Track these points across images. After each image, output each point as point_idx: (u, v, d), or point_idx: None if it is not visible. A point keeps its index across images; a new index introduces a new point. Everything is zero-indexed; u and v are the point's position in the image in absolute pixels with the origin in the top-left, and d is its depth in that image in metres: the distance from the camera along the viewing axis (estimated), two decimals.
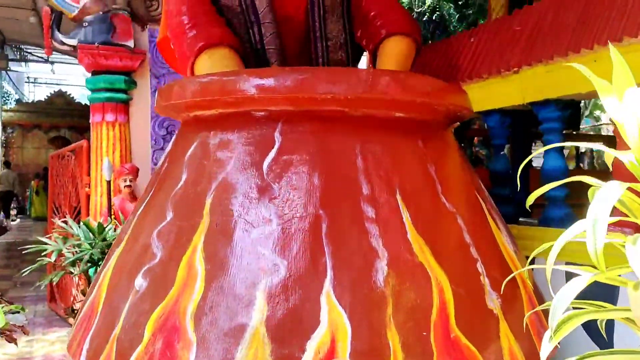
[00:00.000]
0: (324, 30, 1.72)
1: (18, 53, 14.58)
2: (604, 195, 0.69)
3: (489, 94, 1.90)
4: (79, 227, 3.32)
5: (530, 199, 0.86)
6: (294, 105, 1.13)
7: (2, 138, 14.04)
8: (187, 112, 1.28)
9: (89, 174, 4.84)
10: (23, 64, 16.87)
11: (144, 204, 1.27)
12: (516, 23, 1.85)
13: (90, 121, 4.99)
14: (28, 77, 21.60)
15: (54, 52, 5.18)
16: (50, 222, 5.52)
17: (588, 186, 0.78)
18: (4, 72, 14.48)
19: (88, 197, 4.70)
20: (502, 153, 1.97)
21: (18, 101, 18.45)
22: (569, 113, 1.77)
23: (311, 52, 1.72)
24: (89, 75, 5.04)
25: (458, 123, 1.50)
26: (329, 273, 1.00)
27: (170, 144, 1.39)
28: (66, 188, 5.58)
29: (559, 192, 1.72)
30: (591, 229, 0.66)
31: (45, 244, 3.33)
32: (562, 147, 1.76)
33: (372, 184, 1.10)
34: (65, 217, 5.26)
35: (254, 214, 1.07)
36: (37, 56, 14.15)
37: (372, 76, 1.11)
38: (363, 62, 2.72)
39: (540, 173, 1.80)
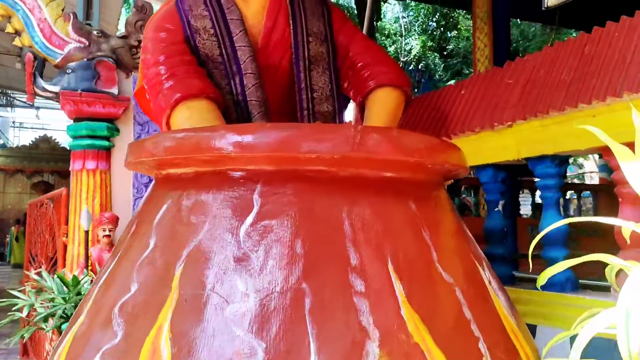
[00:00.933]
0: (310, 82, 1.65)
1: (4, 98, 14.54)
2: (636, 283, 0.58)
3: (482, 148, 1.82)
4: (53, 280, 3.17)
5: (542, 279, 0.75)
6: (274, 165, 1.02)
7: None
8: (158, 170, 1.17)
9: (67, 223, 4.69)
10: (9, 108, 16.81)
11: (108, 272, 1.14)
12: (508, 76, 1.80)
13: (70, 168, 4.87)
14: (13, 122, 21.49)
15: (39, 98, 5.10)
16: (25, 273, 5.33)
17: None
18: None
19: (65, 246, 4.53)
20: (496, 210, 1.88)
21: (2, 146, 18.29)
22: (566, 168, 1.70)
23: (296, 103, 1.64)
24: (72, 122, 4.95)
25: (452, 180, 1.41)
26: (313, 358, 0.87)
27: (141, 203, 1.27)
28: (43, 237, 5.42)
29: (559, 253, 1.62)
30: (624, 325, 0.55)
31: (17, 297, 3.20)
32: (559, 204, 1.67)
33: (360, 253, 0.99)
34: (41, 267, 5.06)
35: (229, 287, 0.94)
36: (22, 101, 14.10)
37: (360, 134, 1.01)
38: (350, 111, 2.65)
39: (528, 224, 1.71)
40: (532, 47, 15.53)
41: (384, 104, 1.65)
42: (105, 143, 4.87)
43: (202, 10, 1.59)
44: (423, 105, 2.14)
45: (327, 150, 1.00)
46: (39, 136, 15.24)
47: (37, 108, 14.98)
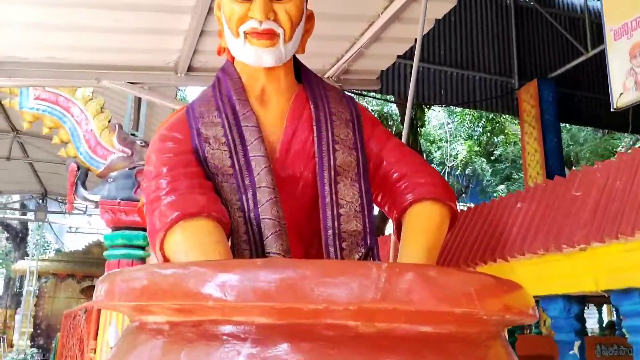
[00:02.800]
0: (336, 196, 1.40)
1: (61, 205, 15.06)
2: None
3: (548, 275, 1.49)
4: None
5: None
6: (268, 317, 0.75)
7: (36, 287, 13.97)
8: (131, 315, 0.92)
9: (96, 338, 4.46)
10: (66, 215, 17.39)
11: None
12: (575, 187, 1.50)
13: None
14: (70, 227, 22.20)
15: (91, 205, 5.08)
16: None
17: None
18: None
19: None
20: (571, 353, 1.50)
21: (58, 251, 18.75)
22: None
23: (319, 222, 1.39)
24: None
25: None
26: None
27: (114, 348, 1.00)
28: (73, 351, 5.20)
29: None
30: None
31: None
32: None
33: None
34: None
35: None
36: (77, 208, 14.57)
37: (386, 275, 0.74)
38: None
39: (596, 342, 1.32)
40: (584, 151, 15.11)
41: (424, 222, 1.38)
42: (140, 252, 4.73)
43: (215, 117, 1.42)
44: (472, 219, 1.85)
45: (341, 299, 0.72)
46: (92, 241, 15.53)
47: (90, 215, 15.39)
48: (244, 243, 1.31)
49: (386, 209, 1.53)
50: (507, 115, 12.96)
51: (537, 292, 1.53)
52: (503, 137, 15.87)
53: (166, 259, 1.23)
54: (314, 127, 1.44)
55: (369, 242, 1.40)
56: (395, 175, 1.48)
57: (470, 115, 15.24)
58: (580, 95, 9.10)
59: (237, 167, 1.36)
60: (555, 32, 8.99)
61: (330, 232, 1.37)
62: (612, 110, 4.28)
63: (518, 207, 1.66)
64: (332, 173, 1.41)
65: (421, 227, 1.37)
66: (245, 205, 1.34)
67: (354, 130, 1.49)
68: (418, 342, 0.78)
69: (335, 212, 1.39)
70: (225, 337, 0.76)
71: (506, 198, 1.80)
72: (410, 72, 7.69)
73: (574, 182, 1.52)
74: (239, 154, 1.37)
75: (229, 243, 1.29)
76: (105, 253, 4.78)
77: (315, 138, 1.43)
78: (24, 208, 15.76)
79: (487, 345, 0.87)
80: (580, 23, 9.26)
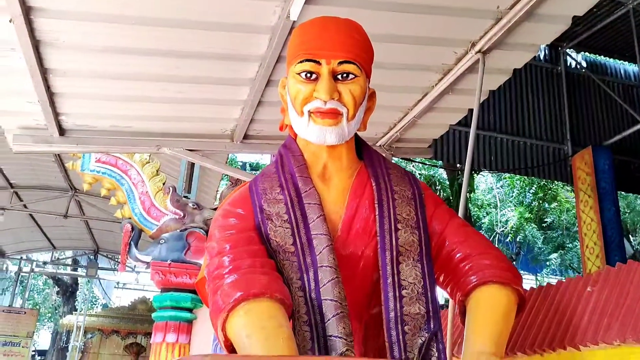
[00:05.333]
0: (398, 277, 1.36)
1: (110, 262, 15.39)
2: None
3: None
4: None
5: None
6: None
7: (81, 343, 14.09)
8: None
9: None
10: (115, 272, 17.73)
11: None
12: None
13: (151, 341, 4.74)
14: (117, 283, 22.58)
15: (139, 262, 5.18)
16: None
17: None
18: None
19: None
20: None
21: (104, 306, 19.00)
22: None
23: (380, 304, 1.35)
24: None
25: None
26: None
27: None
28: None
29: None
30: None
31: None
32: None
33: None
34: None
35: None
36: (127, 265, 14.85)
37: None
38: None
39: None
40: None
41: (490, 308, 1.32)
42: (187, 315, 4.74)
43: (277, 194, 1.42)
44: (536, 301, 1.76)
45: None
46: (138, 297, 15.68)
47: (138, 272, 15.64)
48: (305, 324, 1.28)
49: (448, 290, 1.48)
50: (560, 182, 12.64)
51: None
52: (556, 204, 15.39)
53: (227, 340, 1.21)
54: (376, 206, 1.43)
55: (432, 326, 1.35)
56: (458, 255, 1.44)
57: (520, 180, 14.93)
58: (637, 163, 8.82)
59: (299, 245, 1.35)
60: (609, 100, 8.84)
61: (392, 314, 1.33)
62: None
63: (588, 292, 1.57)
64: (395, 253, 1.38)
65: (488, 314, 1.31)
66: (307, 285, 1.32)
67: (417, 209, 1.46)
68: None
69: (397, 294, 1.35)
70: None
71: (574, 281, 1.71)
72: (460, 138, 7.70)
73: None
74: (301, 232, 1.36)
75: (291, 324, 1.27)
76: (153, 315, 4.81)
77: (377, 217, 1.41)
78: (75, 263, 16.19)
79: None
80: (634, 91, 9.11)
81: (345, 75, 1.39)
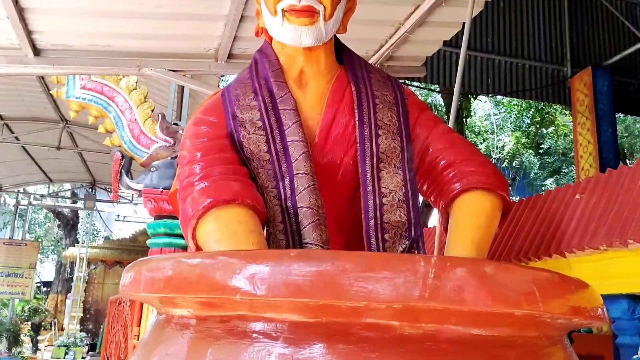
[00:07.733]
0: (378, 184, 1.31)
1: (108, 194, 15.45)
2: None
3: (610, 273, 1.36)
4: None
5: None
6: (302, 315, 0.68)
7: (85, 274, 14.44)
8: (158, 307, 0.86)
9: (139, 324, 4.54)
10: (114, 204, 17.84)
11: None
12: (638, 176, 1.37)
13: None
14: (118, 216, 22.83)
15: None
16: None
17: None
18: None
19: None
20: (635, 357, 1.37)
21: (106, 238, 19.29)
22: None
23: (360, 211, 1.30)
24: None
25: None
26: None
27: (141, 341, 0.95)
28: (118, 337, 5.32)
29: None
30: None
31: None
32: None
33: None
34: None
35: None
36: (123, 197, 14.92)
37: (435, 270, 0.65)
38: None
39: None
40: (639, 144, 14.41)
41: (473, 214, 1.27)
42: (182, 241, 4.77)
43: (251, 100, 1.35)
44: (524, 211, 1.73)
45: (383, 297, 0.64)
46: (139, 229, 15.91)
47: (136, 204, 15.75)
48: (281, 233, 1.24)
49: (432, 198, 1.43)
50: (558, 106, 12.47)
51: (597, 291, 1.39)
52: (553, 128, 15.30)
53: (199, 248, 1.18)
54: (355, 111, 1.35)
55: (413, 233, 1.31)
56: (442, 162, 1.38)
57: (518, 105, 14.74)
58: (637, 84, 8.65)
59: (273, 152, 1.29)
60: (611, 18, 8.54)
61: (372, 222, 1.29)
62: None
63: (577, 199, 1.53)
64: (375, 160, 1.32)
65: (471, 219, 1.27)
66: (282, 193, 1.26)
67: (399, 115, 1.39)
68: (469, 346, 0.69)
69: (377, 202, 1.30)
70: (254, 335, 0.69)
71: (562, 190, 1.66)
72: (457, 60, 7.48)
73: (638, 172, 1.38)
74: (276, 139, 1.30)
75: (265, 233, 1.23)
76: (148, 241, 4.84)
77: (357, 122, 1.34)
78: (74, 196, 16.27)
79: (548, 352, 0.77)
80: (637, 8, 8.79)
81: None
